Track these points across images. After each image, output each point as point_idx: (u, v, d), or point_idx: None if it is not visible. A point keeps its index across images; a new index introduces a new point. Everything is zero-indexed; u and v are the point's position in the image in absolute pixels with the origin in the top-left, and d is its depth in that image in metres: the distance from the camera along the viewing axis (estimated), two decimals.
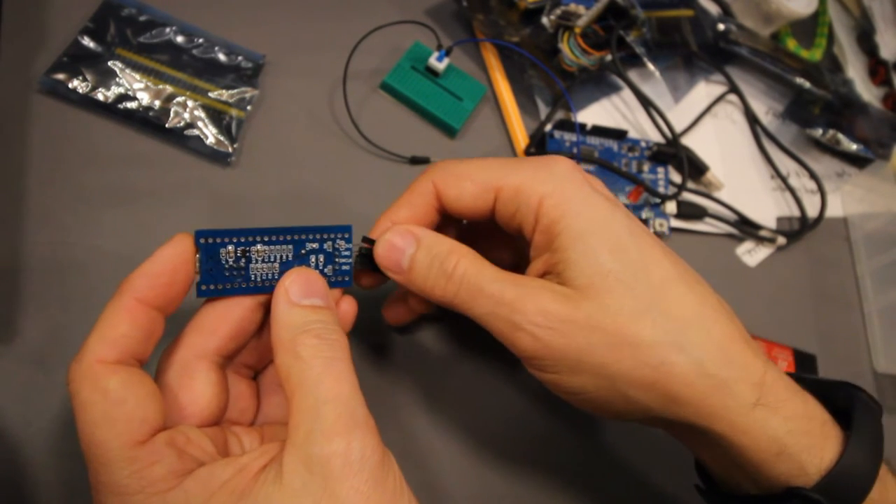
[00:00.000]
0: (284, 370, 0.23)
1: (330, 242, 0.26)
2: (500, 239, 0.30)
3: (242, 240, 0.24)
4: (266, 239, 0.25)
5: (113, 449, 0.20)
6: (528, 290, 0.25)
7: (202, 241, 0.24)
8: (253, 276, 0.25)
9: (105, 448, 0.20)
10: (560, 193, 0.26)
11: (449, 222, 0.30)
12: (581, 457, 0.35)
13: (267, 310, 0.26)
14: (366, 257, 0.28)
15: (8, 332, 0.29)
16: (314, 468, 0.20)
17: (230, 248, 0.24)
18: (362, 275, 0.29)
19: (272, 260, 0.25)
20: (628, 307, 0.24)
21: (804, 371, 0.43)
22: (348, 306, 0.28)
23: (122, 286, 0.22)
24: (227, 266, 0.24)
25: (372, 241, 0.27)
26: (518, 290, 0.25)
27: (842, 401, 0.26)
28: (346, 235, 0.26)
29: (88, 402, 0.20)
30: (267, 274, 0.25)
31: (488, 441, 0.34)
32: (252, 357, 0.27)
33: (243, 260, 0.25)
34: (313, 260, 0.26)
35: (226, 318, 0.25)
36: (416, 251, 0.26)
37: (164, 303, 0.23)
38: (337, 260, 0.26)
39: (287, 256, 0.25)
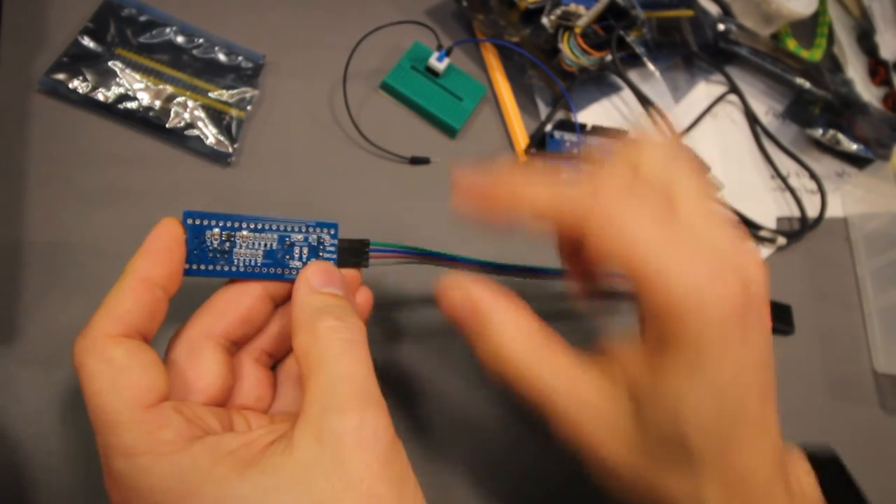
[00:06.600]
0: (303, 349, 0.23)
1: (315, 236, 0.27)
2: None
3: (228, 224, 0.25)
4: (252, 226, 0.26)
5: (121, 411, 0.20)
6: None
7: (189, 221, 0.25)
8: (236, 261, 0.26)
9: (112, 411, 0.20)
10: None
11: None
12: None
13: (277, 302, 0.27)
14: (346, 252, 0.27)
15: (8, 332, 0.29)
16: (326, 441, 0.20)
17: (216, 230, 0.25)
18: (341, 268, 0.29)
19: (256, 247, 0.26)
20: None
21: None
22: (364, 297, 0.28)
23: (126, 269, 0.23)
24: (211, 248, 0.25)
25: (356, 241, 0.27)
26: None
27: None
28: (332, 231, 0.27)
29: (95, 372, 0.21)
30: (250, 260, 0.26)
31: (483, 422, 0.34)
32: (271, 344, 0.27)
33: (228, 244, 0.25)
34: (297, 251, 0.26)
35: (235, 303, 0.26)
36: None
37: (164, 281, 0.23)
38: (321, 254, 0.27)
39: (271, 245, 0.26)
